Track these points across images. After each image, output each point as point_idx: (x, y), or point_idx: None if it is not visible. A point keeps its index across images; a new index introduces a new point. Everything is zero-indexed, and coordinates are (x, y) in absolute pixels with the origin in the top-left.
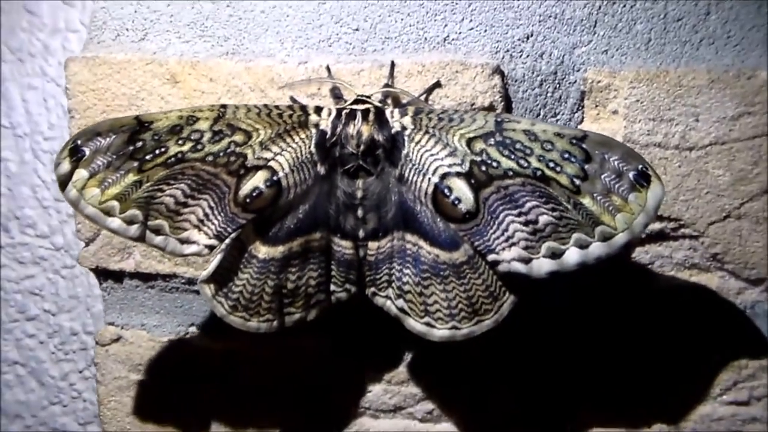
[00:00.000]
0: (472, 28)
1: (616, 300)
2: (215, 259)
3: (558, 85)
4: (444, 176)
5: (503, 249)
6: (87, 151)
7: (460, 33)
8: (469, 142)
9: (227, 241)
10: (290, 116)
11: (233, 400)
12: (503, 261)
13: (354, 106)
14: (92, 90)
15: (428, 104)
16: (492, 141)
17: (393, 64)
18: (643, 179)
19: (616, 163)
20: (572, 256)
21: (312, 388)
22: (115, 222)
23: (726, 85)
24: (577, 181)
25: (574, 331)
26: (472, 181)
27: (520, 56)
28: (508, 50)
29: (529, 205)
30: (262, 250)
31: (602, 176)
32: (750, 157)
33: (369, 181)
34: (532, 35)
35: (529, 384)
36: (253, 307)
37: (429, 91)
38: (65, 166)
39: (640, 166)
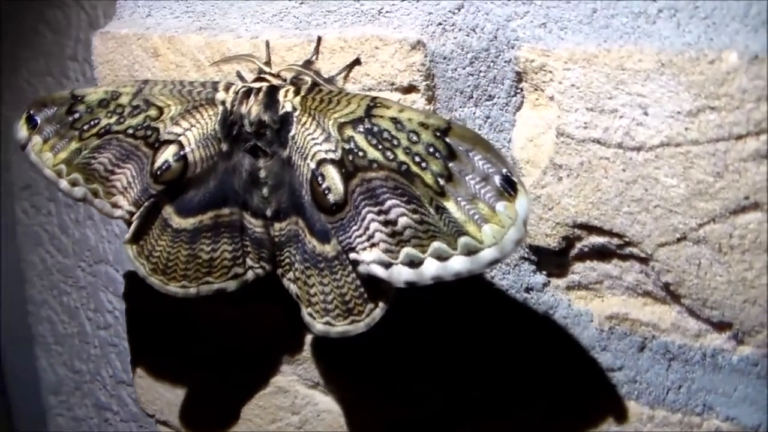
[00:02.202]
0: None
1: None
2: (132, 225)
3: (491, 64)
4: (320, 162)
5: (364, 249)
6: (39, 120)
7: (393, 5)
8: (341, 127)
9: (141, 209)
10: (199, 93)
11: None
12: (363, 262)
13: (252, 84)
14: (106, 61)
15: (330, 83)
16: (361, 128)
17: (319, 40)
18: (509, 187)
19: (481, 163)
20: (429, 267)
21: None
22: (63, 183)
23: (681, 71)
24: (441, 181)
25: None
26: (344, 171)
27: (452, 30)
28: (440, 23)
29: (389, 203)
30: (176, 220)
31: (467, 178)
32: (711, 165)
33: (268, 161)
34: (463, 6)
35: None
36: (170, 273)
37: (348, 68)
38: (23, 132)
39: (504, 170)
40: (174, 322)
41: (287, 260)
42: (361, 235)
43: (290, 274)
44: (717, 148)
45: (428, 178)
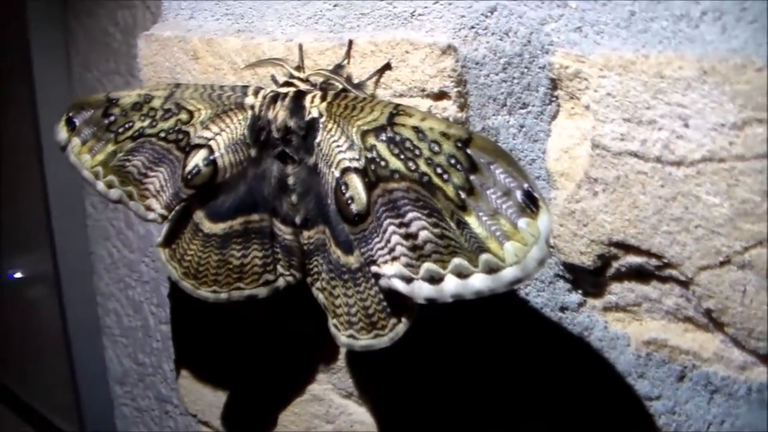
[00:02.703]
0: (437, 1)
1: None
2: (164, 228)
3: (525, 70)
4: (344, 171)
5: (385, 262)
6: (77, 122)
7: (426, 7)
8: (363, 135)
9: (173, 213)
10: (228, 97)
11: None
12: (384, 275)
13: (279, 89)
14: (150, 63)
15: (359, 89)
16: (383, 136)
17: (350, 43)
18: (531, 203)
19: (502, 177)
20: (449, 284)
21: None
22: (99, 185)
23: (725, 80)
24: (463, 195)
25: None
26: (367, 180)
27: (485, 34)
28: (472, 26)
29: (410, 216)
30: (206, 225)
31: (488, 192)
32: (758, 183)
33: (296, 167)
34: (496, 9)
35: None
36: (201, 277)
37: (379, 73)
38: (63, 134)
39: (526, 185)
40: (215, 324)
41: (316, 269)
42: (382, 248)
43: (318, 284)
44: (764, 165)
45: (450, 190)
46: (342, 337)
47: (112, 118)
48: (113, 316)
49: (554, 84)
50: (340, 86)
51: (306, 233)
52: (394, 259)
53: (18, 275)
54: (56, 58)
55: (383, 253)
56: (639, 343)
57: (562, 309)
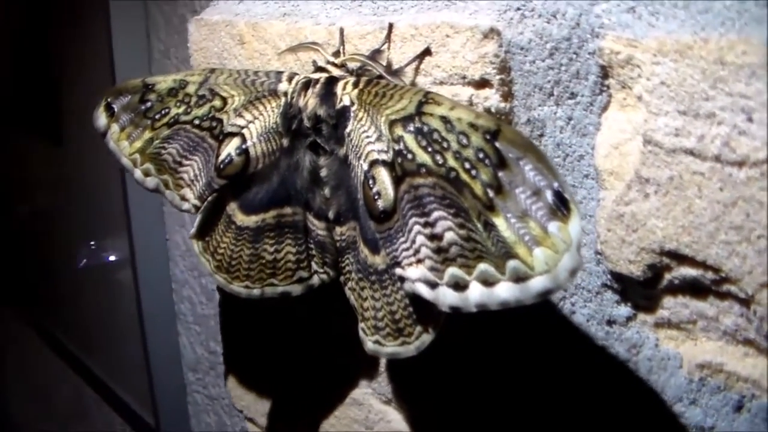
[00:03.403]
0: None
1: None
2: (197, 219)
3: (574, 56)
4: (372, 164)
5: (410, 265)
6: (116, 108)
7: None
8: (391, 125)
9: (205, 203)
10: (262, 83)
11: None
12: (408, 279)
13: (311, 75)
14: (200, 49)
15: (396, 75)
16: (411, 127)
17: (390, 27)
18: (562, 204)
19: (531, 174)
20: (474, 292)
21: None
22: (137, 173)
23: None
24: (491, 193)
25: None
26: (394, 175)
27: (531, 16)
28: (518, 8)
29: (436, 215)
30: (239, 217)
31: (517, 191)
32: None
33: (328, 158)
34: None
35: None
36: (233, 271)
37: (418, 59)
38: (102, 120)
39: (556, 185)
40: (261, 320)
41: (347, 268)
42: (407, 249)
43: (350, 284)
44: None
45: (477, 188)
46: (369, 343)
47: (148, 104)
48: (187, 303)
49: (605, 72)
50: (377, 73)
51: (338, 229)
52: (419, 261)
53: (97, 262)
54: (137, 45)
55: (408, 255)
56: (692, 366)
57: (610, 322)
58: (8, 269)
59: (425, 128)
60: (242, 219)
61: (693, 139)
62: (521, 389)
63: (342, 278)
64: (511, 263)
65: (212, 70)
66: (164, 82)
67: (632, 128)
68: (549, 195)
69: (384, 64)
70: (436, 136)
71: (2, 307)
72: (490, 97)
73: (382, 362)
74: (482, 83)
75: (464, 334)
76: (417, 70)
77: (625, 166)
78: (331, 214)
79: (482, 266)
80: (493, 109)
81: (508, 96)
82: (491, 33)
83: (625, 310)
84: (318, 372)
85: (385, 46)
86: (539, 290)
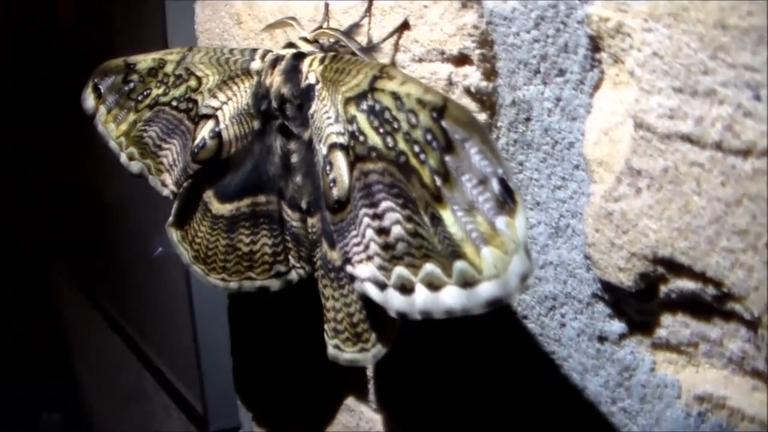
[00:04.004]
0: None
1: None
2: (174, 206)
3: (561, 26)
4: (331, 147)
5: (360, 261)
6: (102, 89)
7: None
8: (346, 104)
9: (182, 190)
10: (236, 62)
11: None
12: (358, 278)
13: (280, 52)
14: (205, 30)
15: (369, 52)
16: (364, 105)
17: (370, 0)
18: (508, 195)
19: (477, 159)
20: (419, 297)
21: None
22: (122, 156)
23: None
24: (438, 181)
25: None
26: (350, 160)
27: None
28: None
29: (384, 205)
30: (215, 206)
31: (463, 179)
32: None
33: (297, 143)
34: None
35: None
36: (210, 263)
37: (396, 33)
38: (90, 101)
39: (500, 171)
40: (260, 318)
41: (319, 262)
42: (358, 244)
43: (320, 281)
44: None
45: (425, 175)
46: (329, 347)
47: (131, 85)
48: None
49: (595, 44)
50: (351, 49)
51: (310, 220)
52: (369, 258)
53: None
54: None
55: (359, 251)
56: (691, 397)
57: (601, 339)
58: (83, 256)
59: (377, 106)
60: (217, 207)
61: (690, 122)
62: (507, 402)
63: (317, 273)
64: (458, 264)
65: (190, 49)
66: (144, 61)
67: (624, 110)
68: (495, 184)
69: (361, 39)
70: (387, 115)
71: (76, 290)
72: (470, 75)
73: (370, 366)
74: (461, 59)
75: (449, 342)
76: (396, 46)
77: (615, 155)
78: (303, 204)
79: (428, 266)
80: (473, 89)
81: (490, 74)
82: (470, 1)
83: (618, 325)
84: (312, 376)
85: (365, 20)
86: (488, 298)
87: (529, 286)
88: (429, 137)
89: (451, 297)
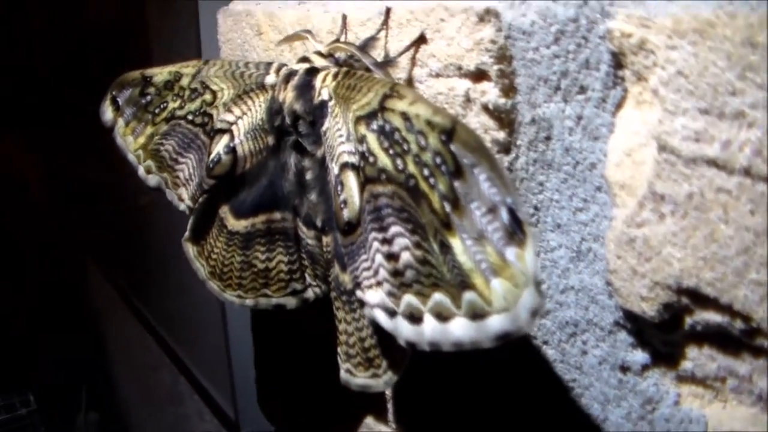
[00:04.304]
0: None
1: None
2: (190, 221)
3: (582, 41)
4: (342, 167)
5: (370, 287)
6: (120, 101)
7: None
8: (356, 123)
9: (197, 205)
10: (250, 75)
11: None
12: (368, 304)
13: (294, 66)
14: (227, 40)
15: (383, 67)
16: (374, 125)
17: (387, 12)
18: (517, 226)
19: (486, 186)
20: (427, 328)
21: None
22: (140, 169)
23: None
24: (447, 208)
25: None
26: (360, 181)
27: None
28: None
29: (393, 230)
30: (230, 221)
31: (472, 206)
32: None
33: (312, 160)
34: None
35: None
36: (226, 279)
37: (412, 47)
38: (108, 114)
39: (509, 200)
40: (290, 338)
41: (333, 284)
42: (368, 268)
43: (337, 302)
44: None
45: (435, 200)
46: (341, 371)
47: (148, 98)
48: None
49: (617, 60)
50: (366, 64)
51: (325, 239)
52: (379, 284)
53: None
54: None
55: (368, 275)
56: None
57: (624, 369)
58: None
59: (387, 127)
60: (233, 223)
61: (717, 146)
62: (525, 429)
63: (332, 294)
64: (468, 295)
65: (206, 62)
66: (161, 74)
67: (647, 131)
68: (504, 213)
69: (377, 53)
70: (397, 136)
71: (114, 293)
72: (488, 92)
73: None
74: (479, 75)
75: (467, 364)
76: (413, 60)
77: (638, 178)
78: (318, 222)
79: (437, 296)
80: (491, 106)
81: (509, 90)
82: (487, 15)
83: (641, 355)
84: (332, 394)
85: (381, 33)
86: (497, 331)
87: (539, 320)
88: (438, 160)
89: (459, 329)
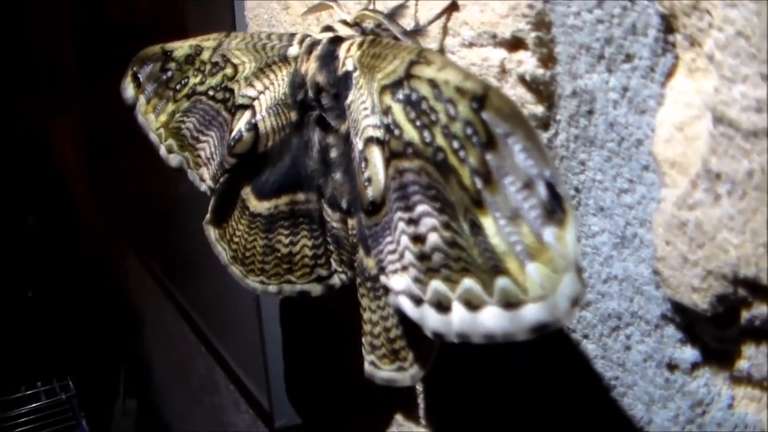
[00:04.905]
0: None
1: None
2: (211, 203)
3: (629, 4)
4: (367, 141)
5: (395, 272)
6: (141, 78)
7: None
8: (381, 93)
9: (218, 185)
10: (273, 47)
11: None
12: (393, 290)
13: (317, 36)
14: (254, 16)
15: (413, 36)
16: (400, 94)
17: None
18: (557, 203)
19: (522, 158)
20: (455, 317)
21: None
22: (162, 149)
23: None
24: (479, 183)
25: None
26: (386, 156)
27: None
28: None
29: (420, 209)
30: (252, 203)
31: (506, 181)
32: None
33: (336, 136)
34: None
35: None
36: (248, 264)
37: (444, 15)
38: (129, 91)
39: (547, 173)
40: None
41: (358, 269)
42: (393, 251)
43: (359, 289)
44: None
45: (465, 175)
46: (366, 363)
47: (169, 74)
48: None
49: (668, 23)
50: (394, 33)
51: (350, 221)
52: (404, 269)
53: None
54: None
55: (393, 259)
56: None
57: (671, 367)
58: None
59: (413, 96)
60: (255, 205)
61: None
62: (562, 428)
63: (357, 280)
64: (500, 281)
65: (227, 35)
66: (181, 48)
67: (701, 101)
68: (542, 188)
69: (406, 22)
70: (424, 105)
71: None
72: (525, 62)
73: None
74: (515, 43)
75: (501, 359)
76: (444, 29)
77: (690, 155)
78: (343, 203)
79: (467, 282)
80: (528, 77)
81: (548, 60)
82: None
83: (690, 353)
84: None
85: (411, 1)
86: (533, 322)
87: (579, 311)
88: (469, 131)
89: (491, 319)
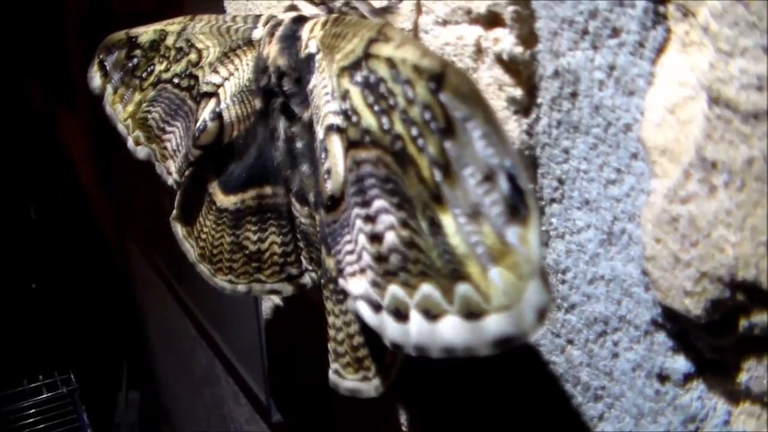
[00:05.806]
0: None
1: None
2: (176, 198)
3: None
4: (327, 129)
5: (352, 274)
6: (108, 66)
7: None
8: (339, 75)
9: (184, 179)
10: (237, 30)
11: None
12: (351, 295)
13: (281, 16)
14: (235, 8)
15: (381, 14)
16: (358, 77)
17: None
18: (519, 197)
19: (481, 145)
20: (413, 327)
21: None
22: (129, 141)
23: None
24: (438, 176)
25: None
26: (344, 145)
27: None
28: None
29: (377, 204)
30: (219, 197)
31: (466, 173)
32: None
33: (300, 124)
34: None
35: None
36: (216, 262)
37: None
38: (96, 80)
39: (508, 163)
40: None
41: (321, 268)
42: (351, 251)
43: (323, 291)
44: None
45: (424, 166)
46: (330, 371)
47: (135, 61)
48: None
49: None
50: (362, 12)
51: (317, 217)
52: (362, 271)
53: None
54: None
55: (351, 260)
56: None
57: (662, 378)
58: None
59: (371, 78)
60: (222, 200)
61: None
62: None
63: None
64: (461, 288)
65: (192, 18)
66: (146, 33)
67: (695, 80)
68: (503, 181)
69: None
70: (382, 88)
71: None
72: (502, 39)
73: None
74: (491, 19)
75: (482, 366)
76: (418, 5)
77: (683, 141)
78: (311, 197)
79: (425, 288)
80: (506, 57)
81: (527, 37)
82: None
83: (683, 363)
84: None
85: None
86: (496, 335)
87: (546, 323)
88: (427, 116)
89: (451, 330)
